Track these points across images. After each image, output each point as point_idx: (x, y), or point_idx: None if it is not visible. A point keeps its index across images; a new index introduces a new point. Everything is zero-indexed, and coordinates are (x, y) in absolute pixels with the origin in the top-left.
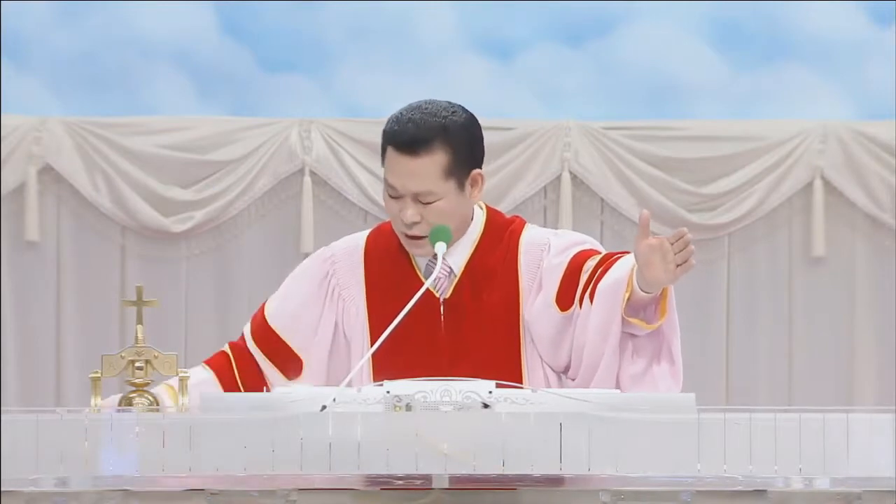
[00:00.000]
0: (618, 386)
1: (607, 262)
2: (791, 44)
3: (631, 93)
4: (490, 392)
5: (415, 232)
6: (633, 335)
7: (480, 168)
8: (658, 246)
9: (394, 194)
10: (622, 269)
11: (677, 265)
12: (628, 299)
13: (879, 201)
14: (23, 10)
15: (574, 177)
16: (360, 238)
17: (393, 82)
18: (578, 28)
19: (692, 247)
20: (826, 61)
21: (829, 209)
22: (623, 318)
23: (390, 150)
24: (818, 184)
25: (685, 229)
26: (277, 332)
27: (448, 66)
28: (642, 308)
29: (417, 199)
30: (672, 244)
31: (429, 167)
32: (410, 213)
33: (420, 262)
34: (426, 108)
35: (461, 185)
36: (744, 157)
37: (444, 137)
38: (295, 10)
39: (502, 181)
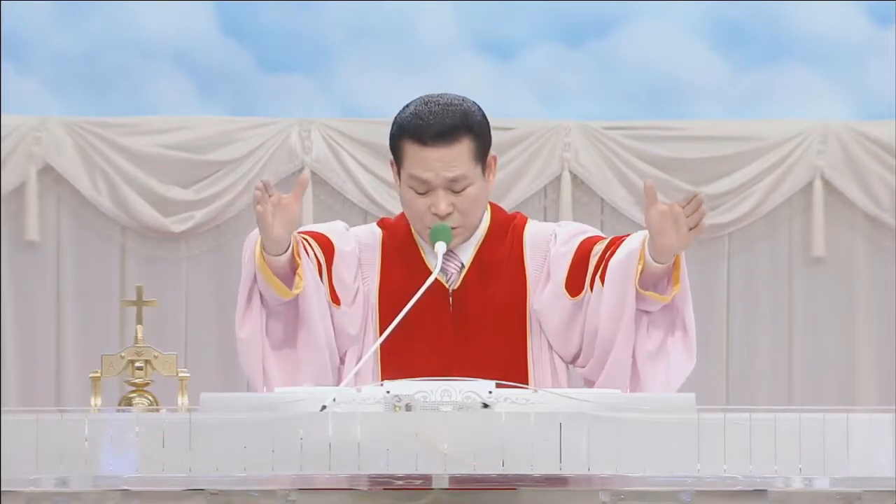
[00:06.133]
0: (634, 363)
1: (615, 243)
2: (791, 44)
3: (631, 93)
4: (490, 392)
5: (448, 223)
6: (646, 311)
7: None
8: (669, 212)
9: (422, 189)
10: (633, 243)
11: (689, 229)
12: (641, 271)
13: (879, 201)
14: (23, 11)
15: (574, 177)
16: (375, 230)
17: (393, 82)
18: (578, 28)
19: (704, 208)
20: (826, 61)
21: (829, 209)
22: (637, 293)
23: (414, 146)
24: (818, 184)
25: (697, 192)
26: (317, 230)
27: (448, 66)
28: (655, 283)
29: (450, 187)
30: (683, 207)
31: (461, 153)
32: (444, 204)
33: (430, 258)
34: (441, 100)
35: (484, 170)
36: (744, 157)
37: (468, 123)
38: (295, 10)
39: (502, 181)
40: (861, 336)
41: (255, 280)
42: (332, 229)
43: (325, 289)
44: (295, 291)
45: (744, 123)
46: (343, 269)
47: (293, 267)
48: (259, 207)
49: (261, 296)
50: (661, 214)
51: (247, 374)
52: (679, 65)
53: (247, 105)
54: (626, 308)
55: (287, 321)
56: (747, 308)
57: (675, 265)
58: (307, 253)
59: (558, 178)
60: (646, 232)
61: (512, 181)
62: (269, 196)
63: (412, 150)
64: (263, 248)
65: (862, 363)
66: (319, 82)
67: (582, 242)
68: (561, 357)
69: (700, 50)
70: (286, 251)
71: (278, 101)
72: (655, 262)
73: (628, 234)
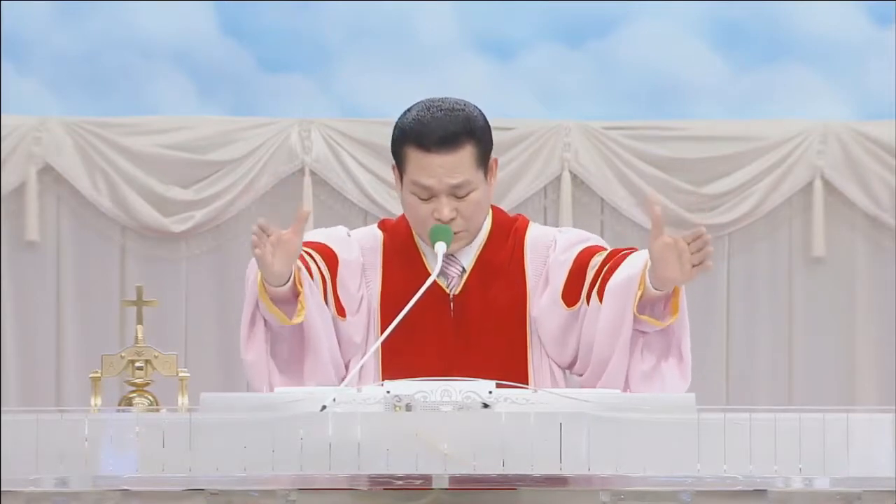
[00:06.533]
0: (627, 383)
1: (615, 258)
2: (791, 44)
3: (631, 93)
4: (490, 392)
5: (452, 228)
6: (643, 332)
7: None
8: (673, 245)
9: (425, 195)
10: (634, 266)
11: (693, 265)
12: (640, 297)
13: (879, 201)
14: (23, 11)
15: (574, 177)
16: (376, 233)
17: (393, 82)
18: (578, 28)
19: (710, 248)
20: (826, 61)
21: (829, 209)
22: (634, 316)
23: (417, 152)
24: (818, 184)
25: (703, 228)
26: (320, 240)
27: (448, 66)
28: (652, 304)
29: (454, 193)
30: (689, 243)
31: (464, 159)
32: (447, 210)
33: (431, 261)
34: (443, 105)
35: (486, 174)
36: (744, 157)
37: (470, 129)
38: (295, 10)
39: (502, 181)
40: (861, 336)
41: (257, 304)
42: (335, 237)
43: (331, 308)
44: (296, 320)
45: (744, 123)
46: (348, 279)
47: (295, 293)
48: (257, 251)
49: (264, 319)
50: (664, 246)
51: (254, 392)
52: (679, 65)
53: (247, 105)
54: (623, 329)
55: (292, 343)
56: (747, 308)
57: (675, 291)
58: (310, 270)
59: (558, 178)
60: (647, 254)
61: (512, 181)
62: (268, 236)
63: (415, 157)
64: (264, 279)
65: (862, 363)
66: (319, 82)
67: (581, 252)
68: (557, 364)
69: (700, 50)
70: (287, 281)
71: (278, 101)
72: (655, 289)
73: (628, 249)
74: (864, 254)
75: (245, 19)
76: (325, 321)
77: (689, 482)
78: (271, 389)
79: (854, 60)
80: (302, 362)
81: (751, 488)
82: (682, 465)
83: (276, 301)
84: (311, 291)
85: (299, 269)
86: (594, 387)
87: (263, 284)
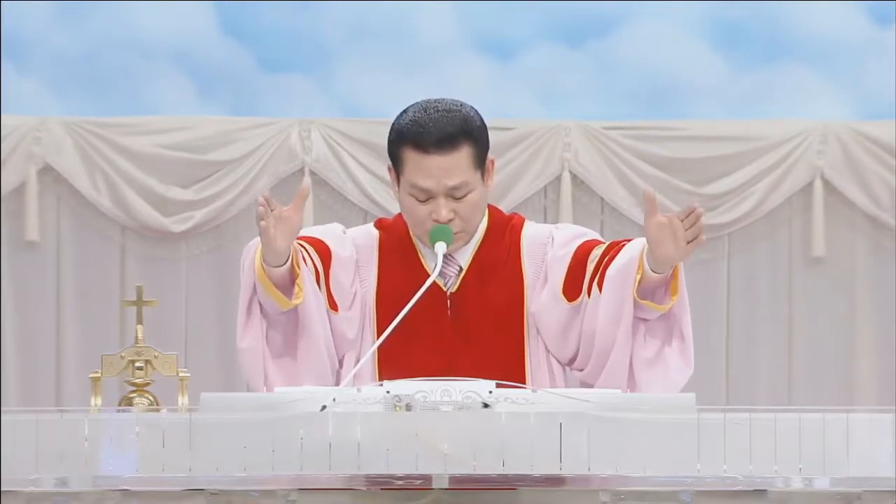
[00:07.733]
0: (631, 371)
1: (613, 249)
2: (791, 44)
3: (631, 93)
4: (490, 392)
5: (451, 229)
6: (644, 319)
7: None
8: (668, 223)
9: (423, 197)
10: (631, 251)
11: (688, 242)
12: (639, 281)
13: (879, 201)
14: (23, 11)
15: (574, 177)
16: (372, 231)
17: (393, 82)
18: (578, 28)
19: (703, 222)
20: (826, 61)
21: (829, 209)
22: (635, 301)
23: (415, 154)
24: (818, 184)
25: (695, 204)
26: (314, 235)
27: (448, 66)
28: (652, 291)
29: (451, 194)
30: (682, 220)
31: (462, 160)
32: (445, 211)
33: (429, 260)
34: (439, 106)
35: (483, 175)
36: (744, 157)
37: (468, 129)
38: (295, 10)
39: (502, 181)
40: (861, 336)
41: (254, 290)
42: (330, 233)
43: (323, 297)
44: (294, 302)
45: (744, 123)
46: (341, 274)
47: (293, 277)
48: (262, 223)
49: (261, 305)
50: (659, 226)
51: (248, 381)
52: (679, 65)
53: (247, 105)
54: (624, 316)
55: (287, 330)
56: (747, 308)
57: (674, 274)
58: (305, 262)
59: (558, 178)
60: (644, 240)
61: (512, 181)
62: (272, 210)
63: (412, 158)
64: (263, 259)
65: (862, 363)
66: (319, 82)
67: (579, 246)
68: (558, 360)
69: (700, 50)
70: (286, 262)
71: (278, 101)
72: (653, 272)
73: (626, 240)
74: (864, 254)
75: (245, 19)
76: (319, 307)
77: (689, 482)
78: (265, 377)
79: (854, 60)
80: (296, 348)
81: (751, 488)
82: (682, 465)
83: (274, 285)
84: (308, 275)
85: (296, 251)
86: (596, 381)
87: (262, 267)
